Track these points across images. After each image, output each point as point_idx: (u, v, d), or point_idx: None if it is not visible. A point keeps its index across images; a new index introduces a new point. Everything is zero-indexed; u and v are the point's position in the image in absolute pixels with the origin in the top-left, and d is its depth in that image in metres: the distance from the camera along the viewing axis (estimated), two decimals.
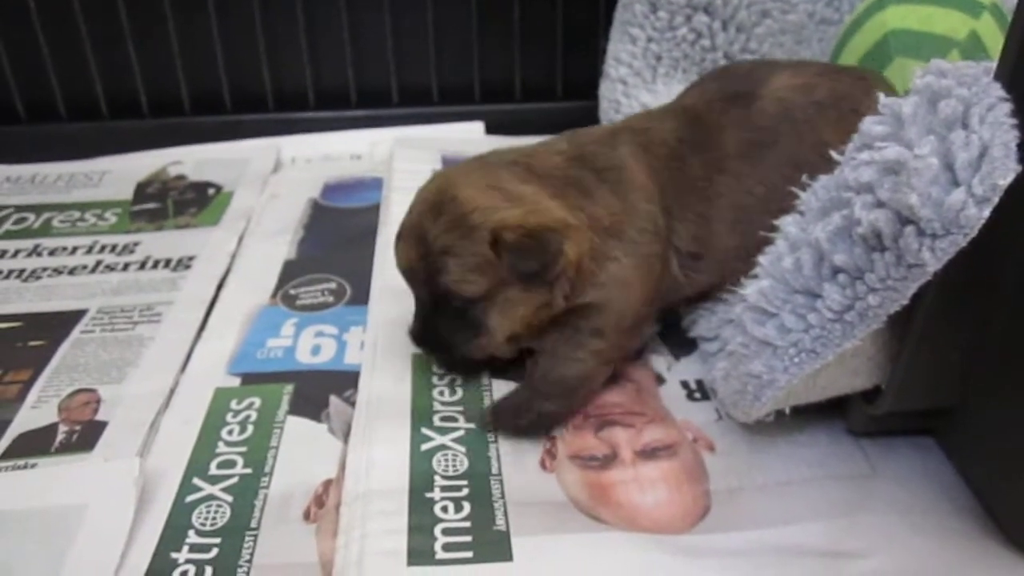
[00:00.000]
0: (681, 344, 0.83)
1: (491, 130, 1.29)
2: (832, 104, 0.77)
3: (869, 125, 0.51)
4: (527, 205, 0.69)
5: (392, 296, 0.90)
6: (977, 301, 0.57)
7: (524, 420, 0.73)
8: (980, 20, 0.91)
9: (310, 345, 0.85)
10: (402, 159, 1.17)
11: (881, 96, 0.52)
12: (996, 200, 0.45)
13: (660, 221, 0.73)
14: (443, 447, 0.71)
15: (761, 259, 0.57)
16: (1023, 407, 0.58)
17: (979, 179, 0.45)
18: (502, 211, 0.68)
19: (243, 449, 0.73)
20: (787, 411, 0.65)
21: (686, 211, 0.75)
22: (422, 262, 0.70)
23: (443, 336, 0.73)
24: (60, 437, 0.74)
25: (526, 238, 0.67)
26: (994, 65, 0.49)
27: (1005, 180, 0.45)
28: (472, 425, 0.74)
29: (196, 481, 0.69)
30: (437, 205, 0.70)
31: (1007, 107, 0.47)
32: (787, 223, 0.56)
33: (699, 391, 0.77)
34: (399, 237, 0.73)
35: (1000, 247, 0.52)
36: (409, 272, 0.73)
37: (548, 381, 0.73)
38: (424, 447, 0.71)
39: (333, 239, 1.04)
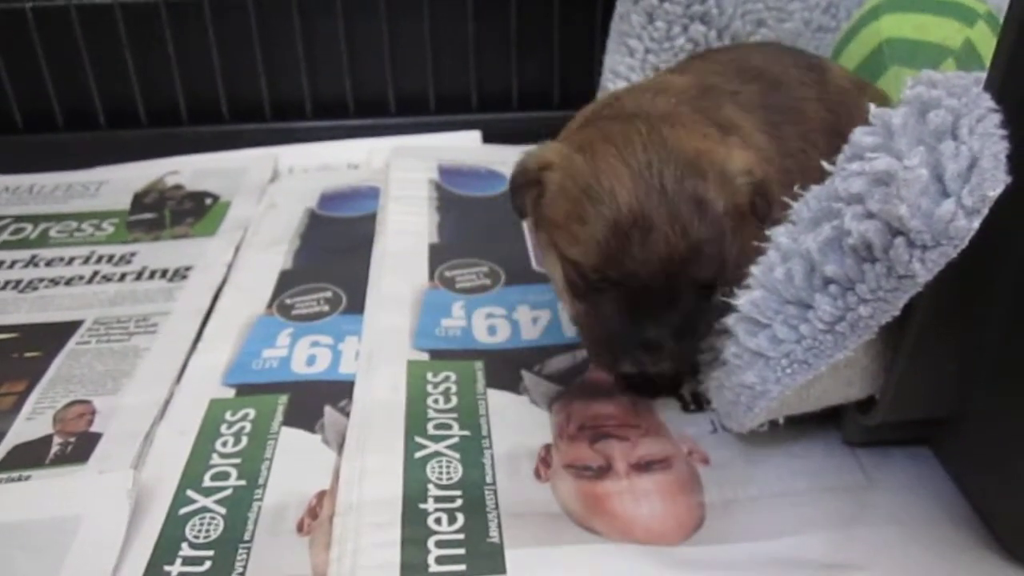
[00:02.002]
0: None
1: (488, 139, 1.29)
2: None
3: (860, 136, 0.51)
4: (749, 148, 0.64)
5: (387, 304, 0.90)
6: (971, 311, 0.57)
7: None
8: (975, 28, 0.91)
9: (305, 355, 0.85)
10: (399, 168, 1.17)
11: (872, 106, 0.52)
12: (986, 211, 0.45)
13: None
14: (437, 454, 0.71)
15: (753, 269, 0.57)
16: (1018, 417, 0.58)
17: (969, 190, 0.45)
18: (740, 158, 0.62)
19: (237, 461, 0.72)
20: (781, 421, 0.65)
21: (788, 176, 0.68)
22: (713, 232, 0.58)
23: (696, 340, 0.61)
24: (55, 449, 0.74)
25: (771, 185, 0.61)
26: (984, 75, 0.49)
27: (995, 191, 0.44)
28: (467, 432, 0.74)
29: (190, 493, 0.69)
30: (690, 163, 0.59)
31: (997, 118, 0.46)
32: (778, 233, 0.56)
33: (694, 403, 0.77)
34: (648, 219, 0.57)
35: (993, 257, 0.52)
36: (690, 252, 0.58)
37: None
38: (418, 455, 0.71)
39: (329, 248, 1.04)
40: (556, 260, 0.66)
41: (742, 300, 0.57)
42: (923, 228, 0.46)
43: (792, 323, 0.55)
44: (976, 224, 0.45)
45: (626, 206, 0.58)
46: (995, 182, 0.44)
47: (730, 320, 0.59)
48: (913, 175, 0.45)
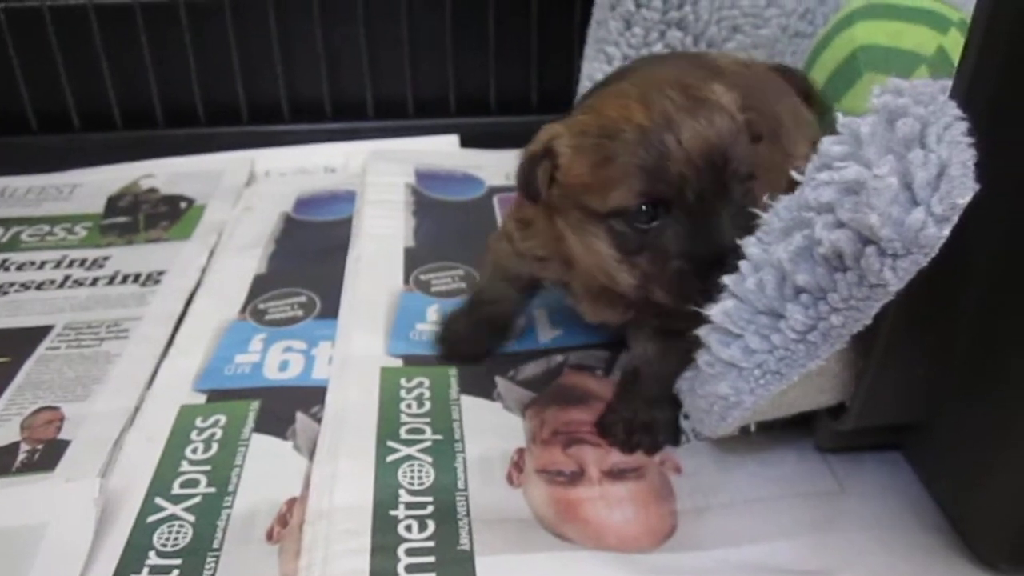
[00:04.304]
0: None
1: (466, 143, 1.29)
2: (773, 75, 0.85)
3: (828, 145, 0.51)
4: None
5: (362, 309, 0.90)
6: (940, 319, 0.57)
7: (661, 436, 0.73)
8: (948, 36, 0.91)
9: (278, 360, 0.84)
10: (375, 172, 1.16)
11: (839, 115, 0.52)
12: (955, 219, 0.45)
13: None
14: (409, 458, 0.71)
15: (725, 279, 0.56)
16: (986, 423, 0.59)
17: (938, 198, 0.45)
18: (718, 85, 0.64)
19: (207, 468, 0.72)
20: (752, 428, 0.65)
21: None
22: (733, 124, 0.59)
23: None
24: (22, 456, 0.73)
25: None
26: (951, 83, 0.49)
27: (964, 199, 0.45)
28: (439, 436, 0.73)
29: (158, 501, 0.68)
30: (682, 82, 0.61)
31: (964, 125, 0.47)
32: (749, 243, 0.56)
33: None
34: (674, 123, 0.57)
35: (961, 265, 0.52)
36: (722, 141, 0.58)
37: (660, 386, 0.70)
38: (390, 459, 0.71)
39: (304, 252, 1.03)
40: (595, 231, 0.62)
41: (714, 310, 0.57)
42: (894, 237, 0.46)
43: (764, 333, 0.55)
44: (946, 232, 0.45)
45: (650, 122, 0.58)
46: (964, 190, 0.45)
47: (703, 331, 0.59)
48: (883, 184, 0.45)
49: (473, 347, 0.84)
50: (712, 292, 0.57)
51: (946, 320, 0.57)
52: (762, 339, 0.55)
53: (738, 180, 0.59)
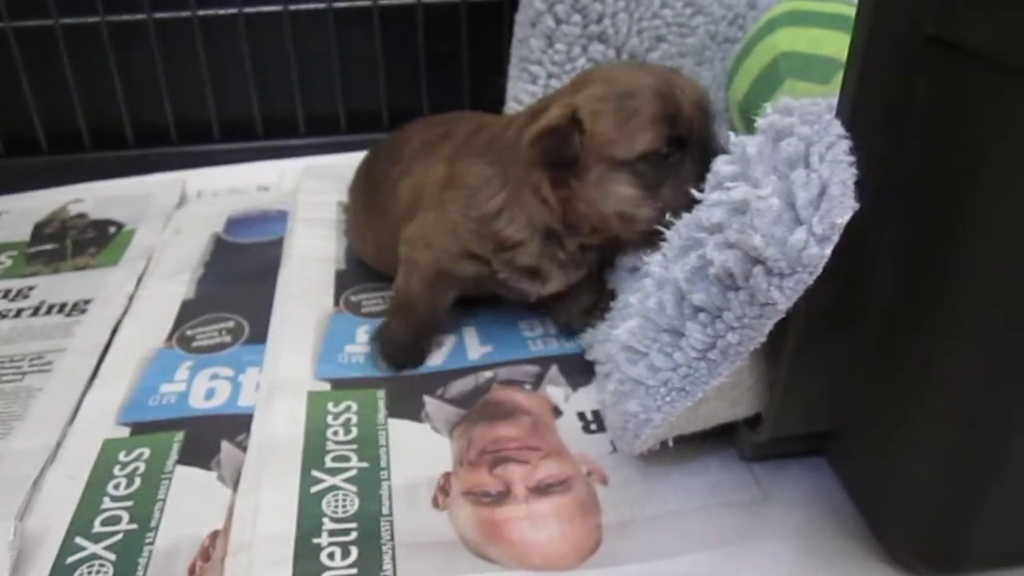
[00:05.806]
0: (579, 373, 0.83)
1: None
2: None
3: (720, 165, 0.51)
4: None
5: (291, 332, 0.89)
6: (844, 331, 0.58)
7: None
8: None
9: (204, 388, 0.83)
10: (307, 191, 1.15)
11: (731, 135, 0.52)
12: (836, 238, 0.46)
13: None
14: (333, 488, 0.70)
15: (631, 298, 0.57)
16: (896, 431, 0.59)
17: (819, 218, 0.45)
18: None
19: (129, 503, 0.70)
20: (671, 443, 0.66)
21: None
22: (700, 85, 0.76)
23: None
24: None
25: None
26: (835, 102, 0.50)
27: (843, 218, 0.45)
28: (365, 464, 0.73)
29: (78, 540, 0.67)
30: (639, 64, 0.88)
31: (846, 144, 0.47)
32: (653, 262, 0.56)
33: (595, 422, 0.77)
34: (672, 82, 0.73)
35: (858, 279, 0.53)
36: (703, 90, 0.75)
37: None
38: (314, 489, 0.70)
39: (233, 276, 1.02)
40: (618, 178, 0.73)
41: (621, 329, 0.57)
42: (778, 256, 0.46)
43: (667, 351, 0.55)
44: (828, 251, 0.46)
45: (656, 82, 0.72)
46: (843, 209, 0.45)
47: (612, 349, 0.59)
48: (765, 204, 0.46)
49: (412, 354, 0.87)
50: None
51: (852, 331, 0.58)
52: (665, 357, 0.55)
53: (712, 116, 0.76)
